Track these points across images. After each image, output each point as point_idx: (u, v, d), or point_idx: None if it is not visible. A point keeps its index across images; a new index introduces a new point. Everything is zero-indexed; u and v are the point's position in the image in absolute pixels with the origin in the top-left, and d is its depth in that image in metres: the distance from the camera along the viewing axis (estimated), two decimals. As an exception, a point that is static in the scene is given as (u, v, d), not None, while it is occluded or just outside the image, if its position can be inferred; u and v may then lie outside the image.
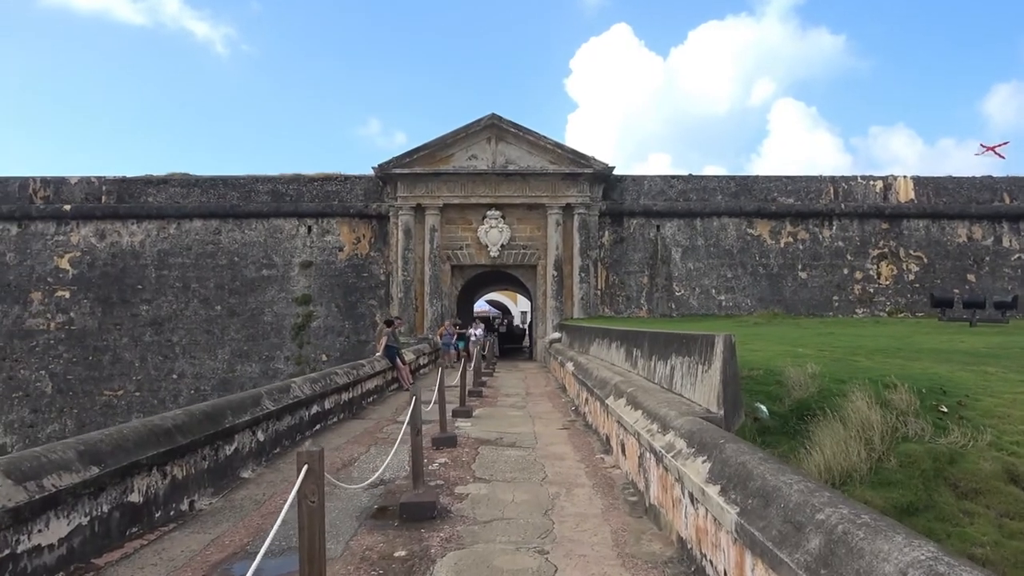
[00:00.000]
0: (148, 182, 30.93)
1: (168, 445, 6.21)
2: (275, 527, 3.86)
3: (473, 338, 22.76)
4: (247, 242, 30.20)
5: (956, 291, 26.45)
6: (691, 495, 4.87)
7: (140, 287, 29.98)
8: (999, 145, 36.89)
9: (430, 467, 8.38)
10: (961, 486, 6.13)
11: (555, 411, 13.76)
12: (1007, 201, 30.64)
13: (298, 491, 3.68)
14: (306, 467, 3.74)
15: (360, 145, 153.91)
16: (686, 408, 6.55)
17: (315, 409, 10.76)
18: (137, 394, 29.50)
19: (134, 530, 5.71)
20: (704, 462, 4.77)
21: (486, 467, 8.43)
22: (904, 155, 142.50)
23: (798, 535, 3.16)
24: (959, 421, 6.87)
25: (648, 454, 6.46)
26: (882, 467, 6.31)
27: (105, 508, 5.34)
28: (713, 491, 4.31)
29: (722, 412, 6.16)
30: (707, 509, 4.46)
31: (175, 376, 29.63)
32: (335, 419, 11.88)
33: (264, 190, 30.59)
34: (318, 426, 10.92)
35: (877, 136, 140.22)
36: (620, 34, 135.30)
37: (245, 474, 7.88)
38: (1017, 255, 30.32)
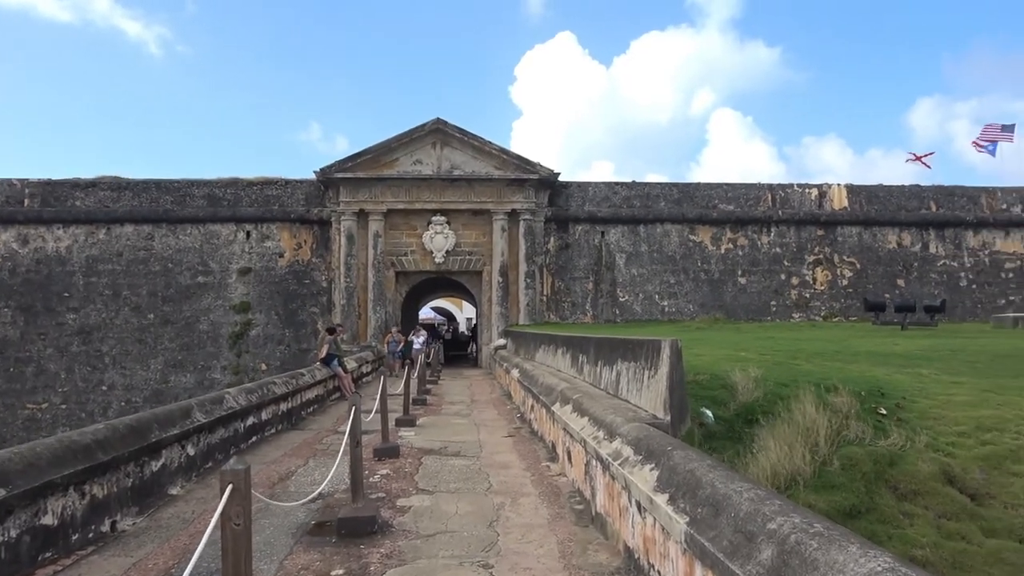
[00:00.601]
0: (75, 185, 29.60)
1: (87, 462, 5.80)
2: (199, 548, 3.59)
3: (417, 345, 22.39)
4: (182, 248, 29.18)
5: (887, 296, 27.37)
6: (639, 504, 4.76)
7: (67, 295, 28.63)
8: (926, 155, 38.37)
9: (371, 479, 8.11)
10: (901, 488, 6.22)
11: (500, 419, 13.59)
12: (934, 209, 31.92)
13: (221, 513, 3.40)
14: (230, 487, 3.47)
15: (301, 150, 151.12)
16: (632, 414, 6.46)
17: (251, 420, 10.33)
18: (63, 407, 28.13)
19: (48, 555, 5.30)
20: (652, 470, 4.67)
21: (429, 478, 8.20)
22: (835, 164, 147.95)
23: (750, 545, 3.06)
24: (898, 423, 6.99)
25: (595, 462, 6.35)
26: (825, 470, 6.36)
27: (13, 533, 4.93)
28: (661, 500, 4.20)
29: (669, 418, 6.09)
30: (655, 518, 4.35)
31: (104, 388, 28.38)
32: (273, 430, 11.45)
33: (200, 194, 29.62)
34: (255, 438, 10.50)
35: (809, 146, 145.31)
36: (564, 42, 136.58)
37: (173, 491, 7.46)
38: (943, 261, 31.60)
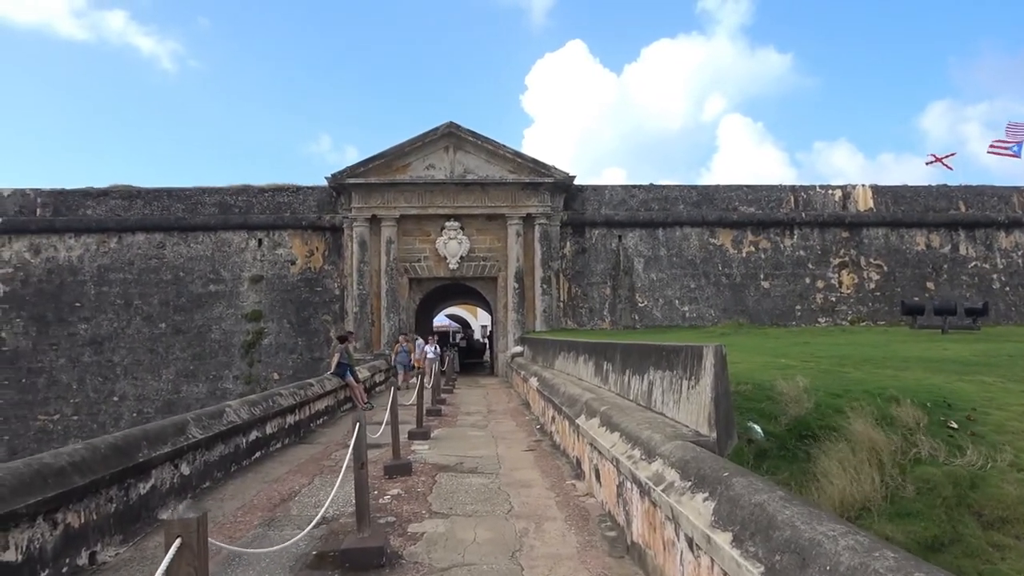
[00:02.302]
0: (87, 194, 29.27)
1: (59, 488, 5.16)
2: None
3: (430, 355, 21.59)
4: (193, 256, 28.74)
5: (922, 298, 26.36)
6: (690, 539, 4.04)
7: (78, 304, 28.25)
8: (947, 156, 37.25)
9: (380, 500, 7.43)
10: (986, 514, 5.46)
11: (519, 430, 12.88)
12: (963, 209, 30.89)
13: (165, 574, 2.71)
14: (179, 541, 2.80)
15: (312, 161, 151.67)
16: (672, 430, 5.74)
17: (255, 435, 9.69)
18: (75, 418, 27.71)
19: (12, 595, 4.65)
20: (706, 500, 3.95)
21: (444, 499, 7.51)
22: (846, 169, 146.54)
23: (860, 614, 2.34)
24: (972, 438, 6.23)
25: (630, 483, 5.63)
26: (899, 495, 5.62)
27: (-33, 573, 4.30)
28: (723, 540, 3.48)
29: (715, 435, 5.37)
30: (713, 560, 3.63)
31: (116, 398, 27.94)
32: (279, 444, 10.81)
33: (211, 202, 29.19)
34: (259, 453, 9.86)
35: (821, 151, 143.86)
36: (575, 50, 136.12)
37: (165, 515, 6.79)
38: (974, 263, 30.55)
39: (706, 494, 4.00)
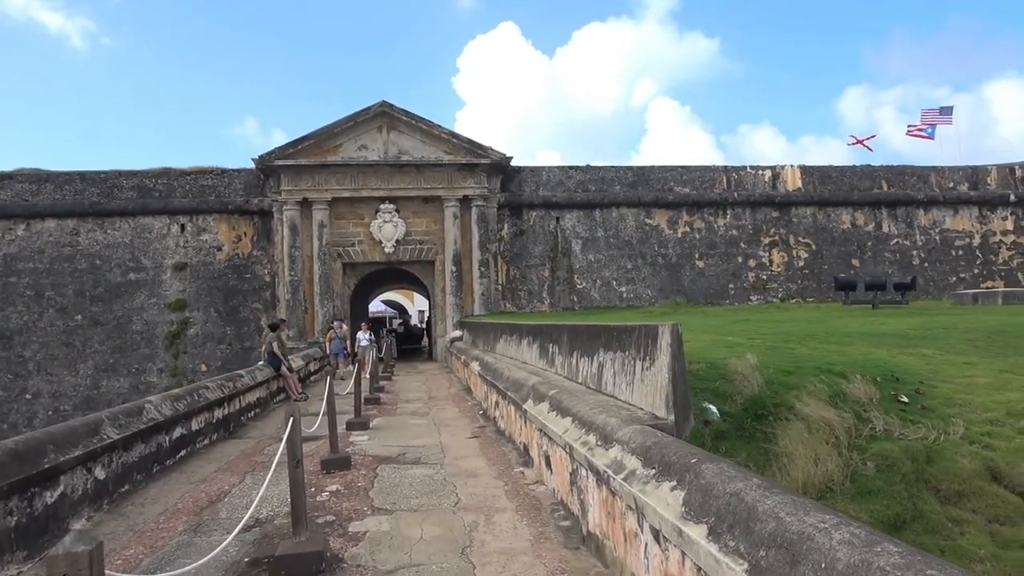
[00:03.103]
0: (-11, 178, 27.23)
1: (-54, 503, 4.54)
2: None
3: (363, 342, 20.90)
4: (111, 243, 27.15)
5: (847, 275, 27.12)
6: (656, 531, 3.78)
7: (-18, 297, 26.32)
8: (867, 138, 38.70)
9: (318, 497, 6.97)
10: (944, 489, 5.43)
11: (462, 416, 12.53)
12: (885, 188, 31.97)
13: None
14: None
15: (238, 144, 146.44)
16: (628, 414, 5.49)
17: (179, 432, 9.04)
18: (-18, 419, 25.91)
19: None
20: (674, 489, 3.69)
21: (387, 493, 7.10)
22: (769, 151, 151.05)
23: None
24: (923, 412, 6.22)
25: (585, 471, 5.36)
26: (859, 473, 5.53)
27: None
28: (697, 533, 3.22)
29: (672, 417, 5.14)
30: (685, 553, 3.37)
31: (29, 396, 26.24)
32: (206, 440, 10.16)
33: (129, 185, 27.59)
34: (184, 451, 9.21)
35: (745, 134, 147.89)
36: (507, 32, 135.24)
37: (77, 525, 6.19)
38: (896, 240, 31.68)
39: (673, 483, 3.74)
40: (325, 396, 8.38)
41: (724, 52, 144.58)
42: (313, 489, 7.29)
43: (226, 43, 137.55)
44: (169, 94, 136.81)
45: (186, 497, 7.16)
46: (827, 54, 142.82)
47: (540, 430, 7.19)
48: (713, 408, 6.43)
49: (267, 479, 5.48)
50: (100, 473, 6.75)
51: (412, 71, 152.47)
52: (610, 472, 4.60)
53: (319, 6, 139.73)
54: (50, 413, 25.63)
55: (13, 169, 28.00)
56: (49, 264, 26.74)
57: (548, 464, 6.92)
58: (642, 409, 5.65)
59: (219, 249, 27.54)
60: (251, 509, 5.37)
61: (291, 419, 5.04)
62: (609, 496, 4.69)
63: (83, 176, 27.60)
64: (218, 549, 4.67)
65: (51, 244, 26.82)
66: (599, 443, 5.14)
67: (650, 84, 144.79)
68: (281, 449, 5.06)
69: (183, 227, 27.45)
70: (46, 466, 5.75)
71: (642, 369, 5.78)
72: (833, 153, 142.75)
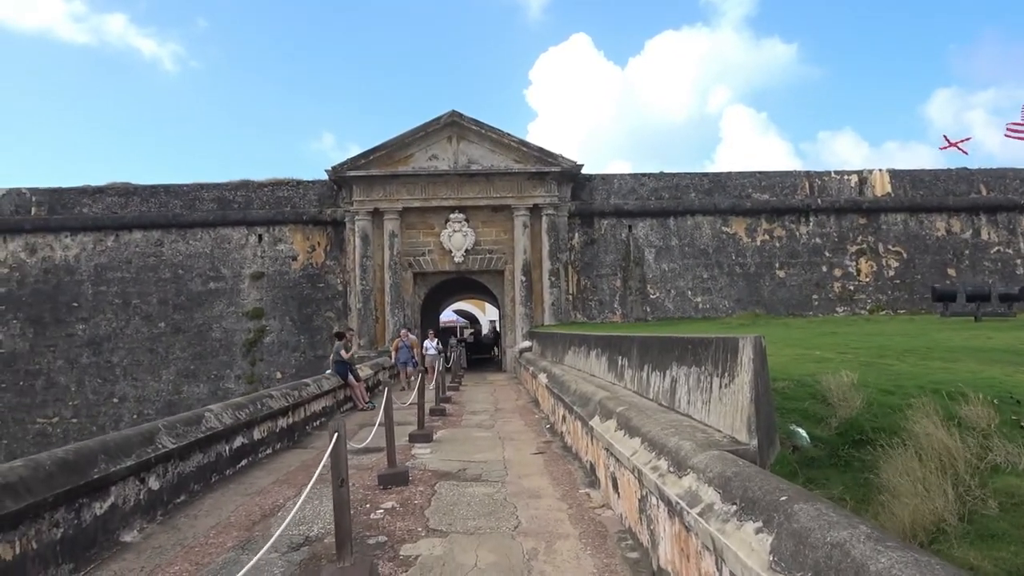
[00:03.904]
0: (83, 192, 28.62)
1: (-15, 515, 4.39)
2: None
3: (431, 351, 20.67)
4: (192, 253, 28.06)
5: (943, 285, 25.33)
6: (738, 579, 3.22)
7: (76, 304, 27.63)
8: (961, 141, 36.30)
9: (372, 515, 6.64)
10: (1084, 535, 4.64)
11: (528, 430, 12.08)
12: (984, 193, 29.86)
13: None
14: None
15: (315, 159, 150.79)
16: (703, 437, 4.92)
17: (240, 441, 8.93)
18: (74, 420, 27.12)
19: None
20: (759, 532, 3.13)
21: (444, 513, 6.71)
22: (851, 158, 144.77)
23: None
24: (1053, 441, 5.40)
25: (655, 499, 4.82)
26: (978, 513, 4.79)
27: None
28: (790, 590, 2.66)
29: (755, 442, 4.55)
30: (774, 612, 2.81)
31: (116, 400, 27.32)
32: (269, 450, 10.05)
33: (209, 197, 28.48)
34: (245, 461, 9.09)
35: (825, 141, 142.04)
36: (579, 44, 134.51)
37: (128, 537, 6.05)
38: (996, 248, 29.53)
39: (759, 524, 3.18)
40: (383, 406, 8.08)
41: (803, 57, 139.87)
42: (368, 505, 6.99)
43: (305, 63, 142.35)
44: (252, 112, 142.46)
45: (240, 510, 6.96)
46: (912, 57, 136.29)
47: (607, 449, 6.67)
48: (802, 432, 5.73)
49: (309, 493, 5.18)
50: (154, 483, 6.62)
51: (485, 85, 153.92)
52: (683, 504, 4.06)
53: (394, 26, 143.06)
54: (135, 416, 26.56)
55: (105, 184, 29.33)
56: (135, 273, 27.82)
57: (615, 487, 6.39)
58: (720, 431, 5.07)
59: (294, 259, 28.05)
60: (308, 525, 5.08)
61: (335, 435, 4.70)
62: (682, 531, 4.15)
63: (167, 189, 28.65)
64: (261, 570, 4.37)
65: (137, 254, 27.90)
66: (671, 469, 4.60)
67: (725, 91, 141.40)
68: (322, 464, 4.73)
69: (260, 237, 28.10)
70: (95, 476, 5.61)
71: (720, 386, 5.20)
72: (920, 158, 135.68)
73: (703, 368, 5.63)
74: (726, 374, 5.09)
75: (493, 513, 6.64)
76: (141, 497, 6.37)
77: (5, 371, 27.14)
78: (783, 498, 3.16)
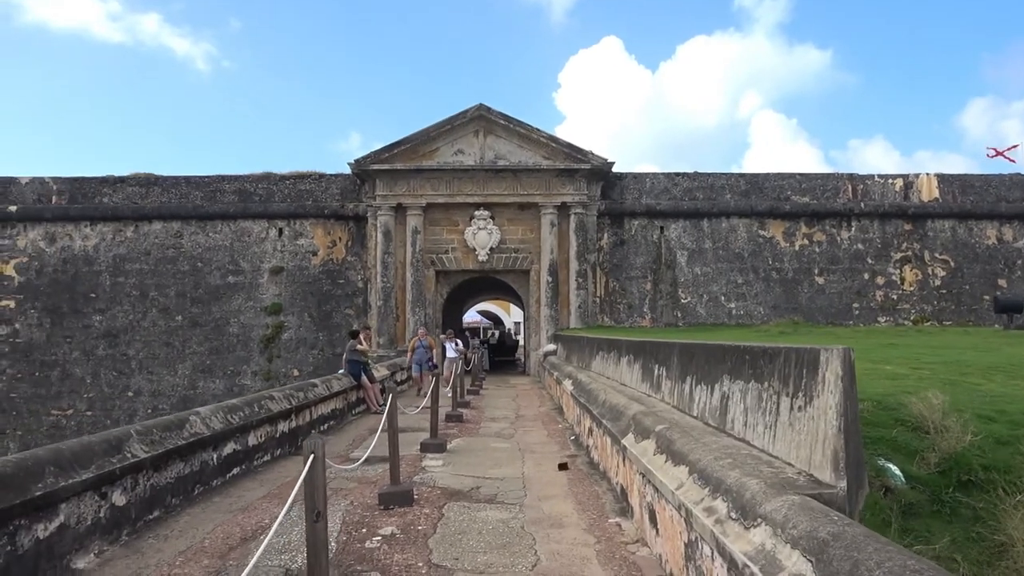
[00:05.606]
0: (104, 182, 28.22)
1: None
2: None
3: (451, 354, 19.56)
4: (211, 246, 27.48)
5: (991, 296, 23.82)
6: None
7: (93, 295, 27.21)
8: (1009, 148, 34.45)
9: (368, 544, 5.71)
10: None
11: (551, 441, 11.10)
12: (1040, 200, 28.18)
13: None
14: None
15: (342, 158, 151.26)
16: (772, 472, 3.90)
17: (231, 448, 8.06)
18: (89, 413, 26.67)
19: None
20: (891, 640, 2.12)
21: (450, 543, 5.75)
22: (881, 166, 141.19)
23: None
24: None
25: (710, 550, 3.82)
26: None
27: None
28: None
29: (843, 484, 3.52)
30: None
31: (131, 393, 26.84)
32: (267, 457, 9.19)
33: (230, 189, 27.90)
34: (237, 469, 8.22)
35: (856, 149, 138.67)
36: (610, 47, 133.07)
37: (81, 562, 5.18)
38: (1052, 258, 27.84)
39: (888, 626, 2.17)
40: (386, 414, 7.15)
41: (836, 64, 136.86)
42: (364, 530, 6.06)
43: (335, 65, 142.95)
44: (281, 111, 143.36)
45: (217, 531, 6.07)
46: (946, 65, 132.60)
47: (643, 475, 5.68)
48: (895, 469, 4.66)
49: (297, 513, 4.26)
50: (119, 499, 5.75)
51: (513, 87, 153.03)
52: (754, 568, 3.05)
53: (424, 28, 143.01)
54: (149, 411, 26.06)
55: (128, 174, 28.90)
56: (154, 265, 27.32)
57: (652, 521, 5.39)
58: (791, 465, 4.05)
59: (314, 254, 27.36)
60: (285, 555, 4.16)
61: (311, 457, 3.76)
62: (751, 601, 3.14)
63: (188, 180, 28.15)
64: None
65: (156, 246, 27.41)
66: (733, 515, 3.60)
67: (755, 97, 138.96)
68: (293, 494, 3.80)
69: (280, 231, 27.45)
70: (37, 493, 4.74)
71: (791, 408, 4.18)
72: (954, 168, 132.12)
73: (766, 384, 4.61)
74: (800, 394, 4.07)
75: (508, 546, 5.67)
76: (102, 515, 5.50)
77: (22, 361, 26.80)
78: (925, 589, 2.15)
